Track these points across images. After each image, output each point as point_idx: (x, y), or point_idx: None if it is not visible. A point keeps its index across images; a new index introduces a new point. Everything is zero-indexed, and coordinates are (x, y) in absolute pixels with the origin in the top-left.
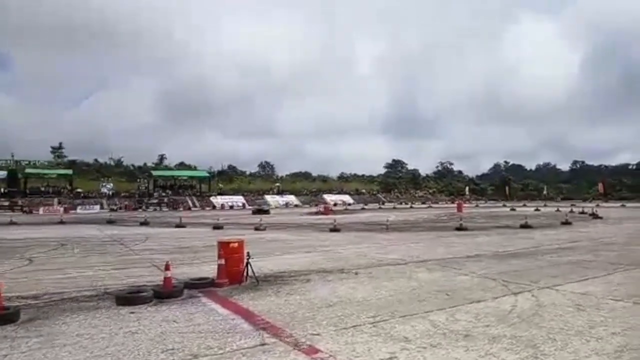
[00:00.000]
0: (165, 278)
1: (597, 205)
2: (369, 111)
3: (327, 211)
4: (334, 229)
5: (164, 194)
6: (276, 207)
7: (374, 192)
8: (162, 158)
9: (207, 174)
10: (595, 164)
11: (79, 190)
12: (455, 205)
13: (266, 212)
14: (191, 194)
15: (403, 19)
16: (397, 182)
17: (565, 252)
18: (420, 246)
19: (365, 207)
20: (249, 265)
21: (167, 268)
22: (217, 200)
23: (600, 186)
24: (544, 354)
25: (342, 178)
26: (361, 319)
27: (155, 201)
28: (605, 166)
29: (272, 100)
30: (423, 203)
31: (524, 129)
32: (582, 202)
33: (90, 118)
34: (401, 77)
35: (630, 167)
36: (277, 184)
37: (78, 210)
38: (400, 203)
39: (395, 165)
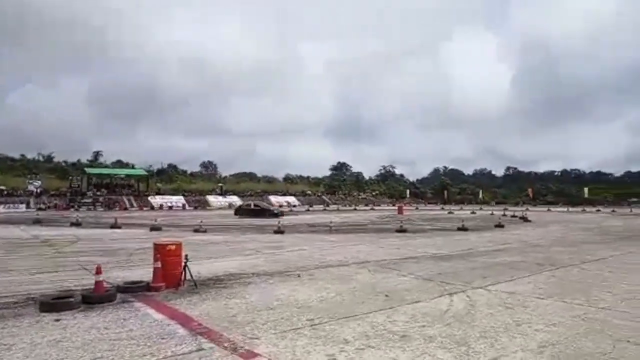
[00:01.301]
0: (96, 282)
1: (527, 209)
2: (317, 113)
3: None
4: (278, 231)
5: (98, 193)
6: (219, 208)
7: (320, 194)
8: (97, 155)
9: (146, 173)
10: (526, 170)
11: (1, 187)
12: (396, 207)
13: (275, 214)
14: (128, 194)
15: (351, 24)
16: (342, 184)
17: (497, 254)
18: (362, 248)
19: (311, 208)
20: (186, 269)
21: (98, 271)
22: (156, 200)
23: (529, 191)
24: (475, 351)
25: (288, 179)
26: (302, 321)
27: (89, 200)
28: (535, 173)
29: (217, 98)
30: (366, 205)
31: (463, 137)
32: (514, 206)
33: (17, 111)
34: (348, 81)
35: (555, 173)
36: (220, 184)
37: (0, 209)
38: (345, 205)
39: (341, 168)
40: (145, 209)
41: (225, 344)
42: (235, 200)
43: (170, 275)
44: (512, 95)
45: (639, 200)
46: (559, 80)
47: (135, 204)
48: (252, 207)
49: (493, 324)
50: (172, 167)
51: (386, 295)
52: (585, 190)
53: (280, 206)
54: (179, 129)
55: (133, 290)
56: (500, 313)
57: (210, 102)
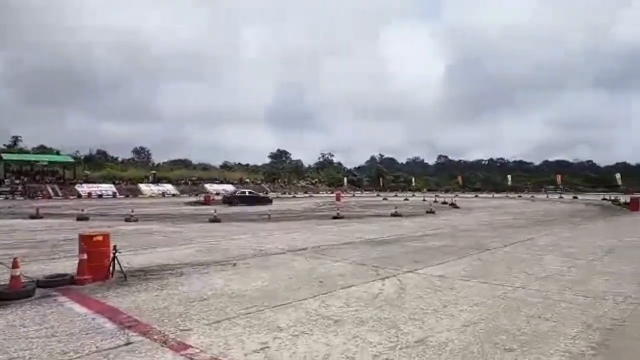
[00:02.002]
0: (12, 277)
1: (457, 196)
2: (255, 100)
3: (208, 201)
4: (215, 220)
5: (17, 181)
6: (151, 197)
7: (259, 182)
8: (16, 140)
9: (72, 160)
10: (457, 159)
11: None
12: (334, 195)
13: (269, 201)
14: (53, 182)
15: (288, 10)
16: (281, 172)
17: (428, 239)
18: (300, 235)
19: None
20: (116, 260)
21: (15, 265)
22: (84, 188)
23: (459, 179)
24: (404, 333)
25: (226, 167)
26: (236, 311)
27: (7, 189)
28: (465, 162)
29: (151, 83)
30: (305, 193)
31: (398, 126)
32: (445, 193)
33: None
34: (287, 68)
35: (483, 162)
36: (154, 172)
37: None
38: (284, 193)
39: (280, 156)
40: (71, 198)
41: (156, 337)
42: (170, 188)
43: (97, 267)
44: (444, 87)
45: (554, 187)
46: (487, 74)
47: (60, 193)
48: (247, 194)
49: (422, 307)
50: (102, 153)
51: (321, 282)
52: (509, 178)
53: (217, 194)
54: (110, 115)
55: (56, 284)
56: (429, 296)
57: (144, 87)
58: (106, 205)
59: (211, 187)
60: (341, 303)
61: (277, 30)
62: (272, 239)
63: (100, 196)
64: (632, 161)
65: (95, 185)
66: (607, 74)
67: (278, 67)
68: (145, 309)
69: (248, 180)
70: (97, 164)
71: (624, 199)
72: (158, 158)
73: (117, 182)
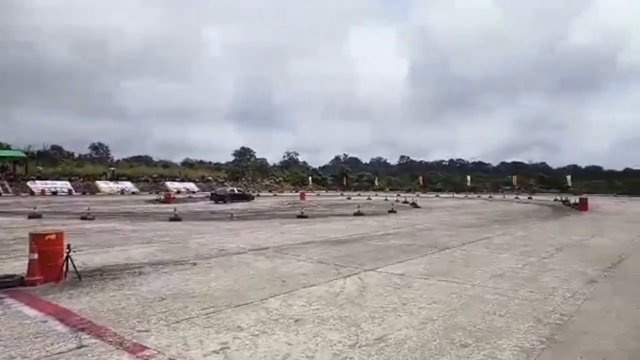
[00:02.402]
0: None
1: (418, 196)
2: (218, 97)
3: (168, 199)
4: (175, 218)
5: None
6: (110, 194)
7: (221, 180)
8: None
9: (24, 154)
10: (418, 159)
11: None
12: (299, 194)
13: (244, 197)
14: (2, 178)
15: (255, 9)
16: (245, 170)
17: (389, 237)
18: (262, 234)
19: None
20: (69, 260)
21: None
22: (36, 185)
23: (420, 179)
24: (364, 331)
25: (187, 164)
26: (195, 311)
27: None
28: (426, 162)
29: (111, 79)
30: (270, 191)
31: (362, 126)
32: (406, 193)
33: None
34: (252, 66)
35: (444, 163)
36: (112, 168)
37: None
38: (248, 191)
39: (244, 154)
40: (23, 195)
41: (111, 339)
42: (129, 185)
43: (49, 267)
44: (407, 88)
45: (510, 188)
46: (449, 75)
47: (10, 190)
48: (236, 192)
49: (382, 304)
50: (57, 149)
51: (283, 281)
52: (468, 178)
53: (178, 192)
54: (66, 109)
55: (3, 285)
56: (389, 293)
57: (103, 82)
58: (61, 202)
59: (172, 185)
60: (302, 302)
61: (242, 28)
62: (234, 238)
63: (55, 193)
64: (582, 164)
65: (49, 182)
66: (560, 77)
67: (243, 65)
68: (100, 310)
69: (210, 178)
70: (51, 160)
71: (573, 199)
72: (117, 154)
73: (72, 178)
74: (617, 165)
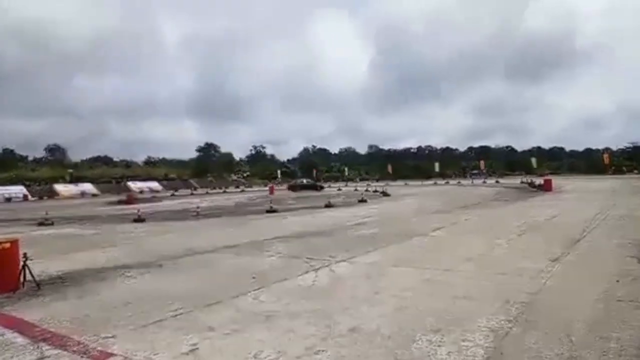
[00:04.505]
0: None
1: (387, 184)
2: (178, 92)
3: (131, 200)
4: (138, 219)
5: None
6: (69, 197)
7: (186, 178)
8: None
9: None
10: (386, 148)
11: None
12: (267, 188)
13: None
14: None
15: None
16: (210, 166)
17: (360, 227)
18: (231, 231)
19: (176, 193)
20: (26, 268)
21: None
22: None
23: (389, 168)
24: (336, 323)
25: (150, 163)
26: (163, 313)
27: None
28: (394, 150)
29: (63, 74)
30: (237, 187)
31: (329, 116)
32: (376, 182)
33: None
34: (212, 59)
35: (412, 150)
36: (70, 171)
37: None
38: (214, 188)
39: (208, 149)
40: None
41: (75, 348)
42: (89, 187)
43: (4, 277)
44: (372, 76)
45: (478, 172)
46: (413, 62)
47: None
48: (305, 182)
49: (354, 295)
50: (9, 152)
51: (253, 277)
52: (437, 165)
53: (141, 192)
54: (14, 110)
55: None
56: (361, 284)
57: (53, 80)
58: (15, 208)
59: (134, 185)
60: (274, 297)
61: (198, 18)
62: (201, 237)
63: (9, 199)
64: (545, 145)
65: (1, 188)
66: (520, 61)
67: (201, 58)
68: (61, 319)
69: (174, 176)
70: (2, 164)
71: (538, 181)
72: (75, 156)
73: (28, 183)
74: (578, 145)
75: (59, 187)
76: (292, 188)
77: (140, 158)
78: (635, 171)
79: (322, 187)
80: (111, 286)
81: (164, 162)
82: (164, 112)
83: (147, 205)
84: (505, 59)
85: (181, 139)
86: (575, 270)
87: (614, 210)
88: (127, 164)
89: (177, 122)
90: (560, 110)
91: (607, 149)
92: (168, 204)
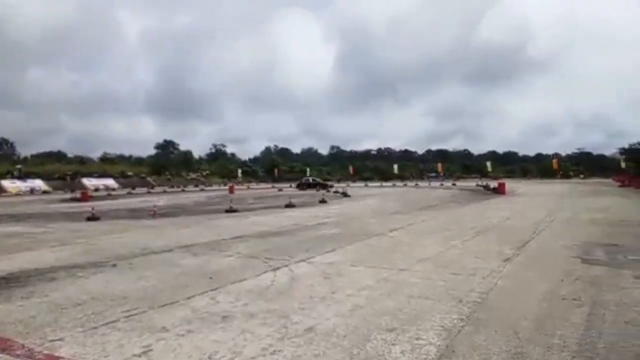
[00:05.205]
0: None
1: (348, 185)
2: (137, 87)
3: (85, 197)
4: (92, 218)
5: None
6: (17, 194)
7: (143, 175)
8: None
9: None
10: (348, 149)
11: None
12: (227, 187)
13: (328, 186)
14: None
15: None
16: (168, 164)
17: (320, 227)
18: (188, 231)
19: (133, 191)
20: None
21: None
22: None
23: (350, 168)
24: (293, 323)
25: (106, 160)
26: (116, 314)
27: None
28: (355, 151)
29: (12, 66)
30: (196, 186)
31: (291, 116)
32: (337, 182)
33: None
34: (174, 55)
35: (372, 152)
36: (19, 166)
37: None
38: (172, 186)
39: (167, 147)
40: None
41: (18, 352)
42: (40, 184)
43: None
44: (335, 78)
45: (436, 175)
46: (374, 65)
47: None
48: (311, 181)
49: (312, 294)
50: None
51: (210, 278)
52: (395, 167)
53: (96, 189)
54: None
55: None
56: (319, 283)
57: (3, 70)
58: None
59: (89, 182)
60: (231, 298)
61: (160, 13)
62: (158, 236)
63: None
64: (500, 149)
65: None
66: (477, 68)
67: (161, 53)
68: (5, 322)
69: (131, 174)
70: None
71: (492, 184)
72: (24, 151)
73: None
74: (530, 150)
75: (6, 183)
76: (299, 186)
77: (95, 154)
78: (581, 175)
79: (331, 186)
80: (60, 287)
81: (121, 159)
82: (121, 108)
83: (102, 203)
84: (464, 65)
85: (139, 136)
86: (524, 270)
87: (561, 213)
88: (82, 160)
89: (136, 118)
90: (514, 117)
91: (556, 154)
92: (124, 202)
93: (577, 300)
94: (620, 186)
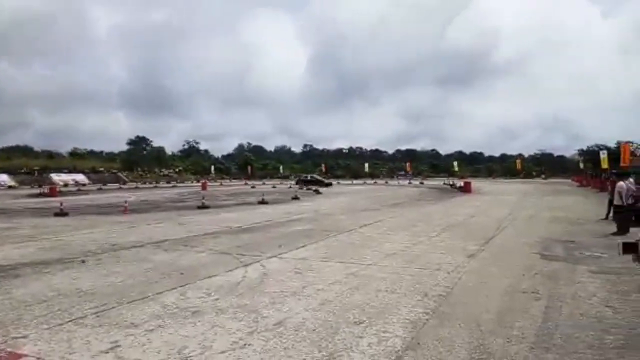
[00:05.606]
0: None
1: (338, 182)
2: (109, 82)
3: (53, 192)
4: (61, 213)
5: None
6: None
7: (115, 171)
8: None
9: None
10: (320, 147)
11: None
12: (200, 184)
13: (326, 184)
14: None
15: None
16: (141, 160)
17: (292, 224)
18: (160, 227)
19: (104, 187)
20: None
21: None
22: None
23: (323, 167)
24: (263, 317)
25: (76, 155)
26: (83, 311)
27: None
28: (328, 150)
29: None
30: (168, 182)
31: (265, 114)
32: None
33: None
34: (148, 50)
35: (344, 150)
36: None
37: None
38: (144, 182)
39: (139, 142)
40: None
41: None
42: (5, 179)
43: None
44: (308, 78)
45: (404, 173)
46: (347, 66)
47: None
48: (309, 179)
49: (282, 289)
50: None
51: (181, 273)
52: (366, 165)
53: (66, 185)
54: None
55: None
56: (290, 278)
57: None
58: None
59: (58, 177)
60: (201, 293)
61: (131, 8)
62: (129, 232)
63: None
64: (466, 150)
65: None
66: (446, 72)
67: (135, 48)
68: None
69: (102, 169)
70: None
71: (459, 183)
72: None
73: None
74: (495, 151)
75: None
76: (298, 183)
77: (65, 149)
78: (543, 175)
79: (329, 184)
80: (25, 284)
81: (92, 154)
82: (93, 103)
83: (71, 198)
84: (433, 68)
85: (111, 131)
86: (487, 265)
87: (523, 211)
88: (50, 155)
89: (107, 114)
90: (481, 119)
91: (519, 155)
92: (94, 198)
93: (536, 293)
94: (578, 186)
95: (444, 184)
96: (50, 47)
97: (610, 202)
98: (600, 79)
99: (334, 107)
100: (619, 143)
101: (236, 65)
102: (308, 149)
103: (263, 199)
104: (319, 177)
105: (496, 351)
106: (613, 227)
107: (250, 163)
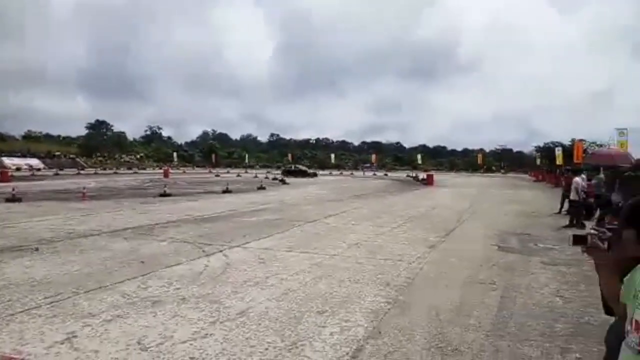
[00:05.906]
0: None
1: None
2: (67, 63)
3: (5, 177)
4: (13, 199)
5: None
6: None
7: (72, 156)
8: None
9: None
10: (287, 137)
11: None
12: (162, 171)
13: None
14: None
15: None
16: (100, 145)
17: (258, 213)
18: (120, 214)
19: (60, 172)
20: None
21: None
22: None
23: (290, 156)
24: (225, 307)
25: (30, 138)
26: (36, 300)
27: None
28: (294, 140)
29: None
30: (129, 169)
31: (230, 102)
32: (276, 170)
33: None
34: (109, 30)
35: (311, 141)
36: None
37: None
38: (104, 168)
39: (99, 127)
40: None
41: None
42: None
43: None
44: (276, 66)
45: (370, 165)
46: (315, 55)
47: None
48: (293, 169)
49: (246, 279)
50: None
51: (142, 262)
52: (332, 156)
53: (18, 169)
54: None
55: None
56: (254, 268)
57: None
58: None
59: (10, 161)
60: (162, 282)
61: None
62: (87, 219)
63: None
64: (430, 144)
65: None
66: (412, 66)
67: (97, 28)
68: None
69: (58, 153)
70: None
71: (422, 175)
72: None
73: None
74: (458, 145)
75: None
76: (284, 173)
77: (18, 132)
78: (502, 170)
79: (314, 174)
80: None
81: (47, 138)
82: (49, 83)
83: (25, 184)
84: (399, 61)
85: (69, 114)
86: (447, 256)
87: (483, 203)
88: (2, 137)
89: (65, 96)
90: (444, 113)
91: (481, 150)
92: (50, 183)
93: (492, 284)
94: (535, 181)
95: (408, 176)
96: (5, 24)
97: (564, 197)
98: (558, 78)
99: (301, 97)
100: (573, 140)
101: (203, 50)
102: (275, 138)
103: (227, 188)
104: (302, 168)
105: (454, 339)
106: (566, 221)
107: (215, 151)
